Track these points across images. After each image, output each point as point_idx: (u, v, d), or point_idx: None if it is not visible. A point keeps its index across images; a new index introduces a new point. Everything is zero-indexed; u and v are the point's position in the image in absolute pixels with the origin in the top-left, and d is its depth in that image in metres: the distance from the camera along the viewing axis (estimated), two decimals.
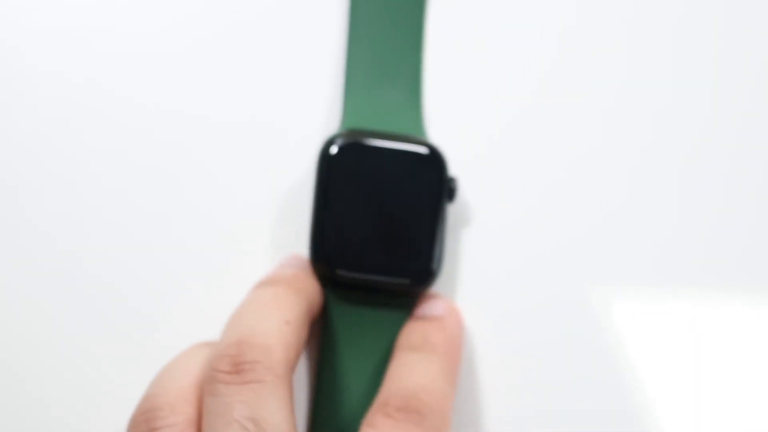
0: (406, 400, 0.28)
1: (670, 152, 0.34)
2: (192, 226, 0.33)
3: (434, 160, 0.32)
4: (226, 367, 0.27)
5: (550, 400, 0.32)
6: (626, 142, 0.34)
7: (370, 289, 0.32)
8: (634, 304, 0.33)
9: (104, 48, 0.34)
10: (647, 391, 0.32)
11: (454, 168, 0.33)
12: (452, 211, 0.33)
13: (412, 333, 0.31)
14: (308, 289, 0.31)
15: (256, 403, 0.27)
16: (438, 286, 0.33)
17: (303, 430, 0.32)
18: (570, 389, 0.32)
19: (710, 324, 0.33)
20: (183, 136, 0.34)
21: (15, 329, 0.33)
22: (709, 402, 0.32)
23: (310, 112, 0.34)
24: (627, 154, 0.34)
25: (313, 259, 0.31)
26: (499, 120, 0.34)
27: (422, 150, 0.32)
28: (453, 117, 0.34)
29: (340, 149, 0.31)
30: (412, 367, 0.30)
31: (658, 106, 0.34)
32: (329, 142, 0.31)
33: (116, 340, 0.33)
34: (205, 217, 0.33)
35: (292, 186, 0.34)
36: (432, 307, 0.32)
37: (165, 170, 0.34)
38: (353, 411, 0.31)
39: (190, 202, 0.33)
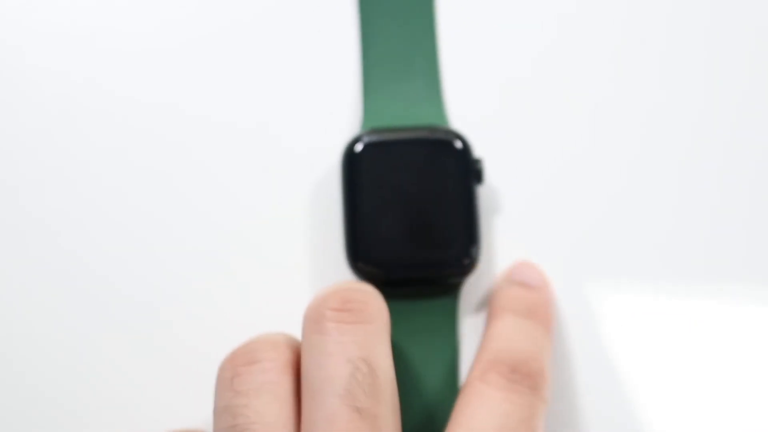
0: (518, 363, 0.28)
1: (703, 133, 0.34)
2: (209, 229, 0.33)
3: (457, 145, 0.32)
4: (335, 305, 0.27)
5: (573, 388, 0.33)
6: (643, 127, 0.34)
7: (414, 281, 0.32)
8: (660, 293, 0.33)
9: (119, 48, 0.34)
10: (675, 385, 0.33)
11: (481, 152, 0.33)
12: (480, 196, 0.33)
13: (516, 298, 0.31)
14: None
15: (368, 345, 0.27)
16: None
17: None
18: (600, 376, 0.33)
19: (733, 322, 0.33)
20: (202, 138, 0.34)
21: (16, 329, 0.33)
22: (721, 398, 0.33)
23: (330, 114, 0.34)
24: (641, 140, 0.34)
25: (351, 260, 0.31)
26: (522, 103, 0.34)
27: (444, 137, 0.32)
28: (475, 102, 0.34)
29: (365, 147, 0.32)
30: (520, 332, 0.30)
31: (678, 95, 0.34)
32: (352, 142, 0.32)
33: (146, 347, 0.33)
34: (225, 220, 0.33)
35: (313, 190, 0.34)
36: (530, 275, 0.32)
37: (180, 171, 0.34)
38: (417, 401, 0.31)
39: (207, 206, 0.33)
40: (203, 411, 0.31)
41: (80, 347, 0.33)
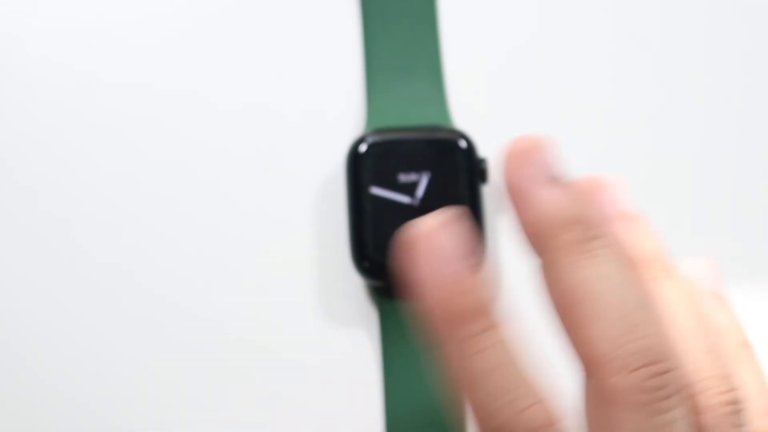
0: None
1: (707, 134, 0.34)
2: (213, 230, 0.33)
3: (462, 145, 0.32)
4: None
5: None
6: (648, 125, 0.34)
7: None
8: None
9: (123, 47, 0.34)
10: None
11: (485, 152, 0.33)
12: (485, 195, 0.33)
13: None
14: None
15: None
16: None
17: (380, 419, 0.32)
18: None
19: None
20: (205, 139, 0.34)
21: (24, 325, 0.33)
22: None
23: (333, 115, 0.34)
24: (647, 137, 0.34)
25: (356, 260, 0.32)
26: (526, 102, 0.34)
27: (448, 137, 0.32)
28: (479, 102, 0.34)
29: (369, 147, 0.32)
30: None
31: (689, 95, 0.35)
32: (357, 143, 0.32)
33: (148, 347, 0.33)
34: (230, 221, 0.33)
35: (318, 190, 0.34)
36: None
37: (185, 172, 0.34)
38: (420, 399, 0.32)
39: (211, 206, 0.34)
40: (203, 412, 0.32)
41: (86, 342, 0.33)
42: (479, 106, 0.34)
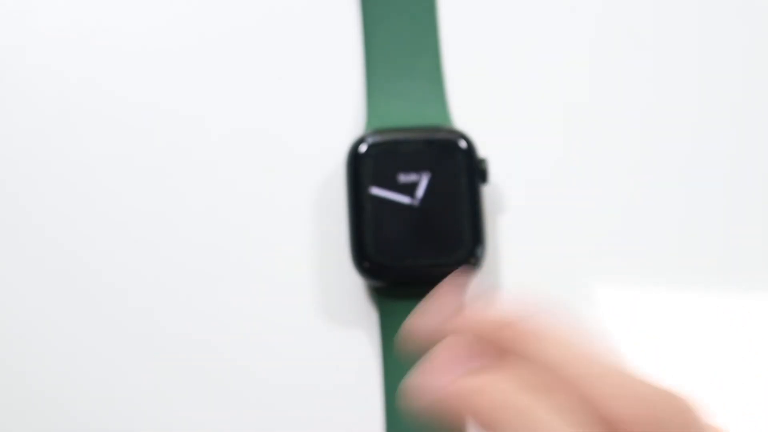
0: None
1: (701, 142, 0.34)
2: (214, 230, 0.33)
3: (462, 145, 0.32)
4: None
5: None
6: (645, 127, 0.34)
7: (419, 281, 0.32)
8: (664, 290, 0.33)
9: (123, 50, 0.35)
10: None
11: (485, 152, 0.33)
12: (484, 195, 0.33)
13: None
14: None
15: None
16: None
17: (380, 419, 0.32)
18: None
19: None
20: (205, 140, 0.34)
21: (16, 330, 0.33)
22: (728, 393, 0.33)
23: (334, 115, 0.34)
24: (644, 139, 0.34)
25: (356, 261, 0.32)
26: (526, 102, 0.34)
27: (449, 137, 0.32)
28: (479, 102, 0.34)
29: (369, 148, 0.32)
30: None
31: (687, 103, 0.35)
32: (357, 143, 0.32)
33: (148, 348, 0.33)
34: (230, 222, 0.34)
35: (318, 190, 0.34)
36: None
37: (185, 173, 0.34)
38: None
39: (212, 207, 0.34)
40: (204, 412, 0.32)
41: (82, 347, 0.33)
42: (479, 106, 0.34)
